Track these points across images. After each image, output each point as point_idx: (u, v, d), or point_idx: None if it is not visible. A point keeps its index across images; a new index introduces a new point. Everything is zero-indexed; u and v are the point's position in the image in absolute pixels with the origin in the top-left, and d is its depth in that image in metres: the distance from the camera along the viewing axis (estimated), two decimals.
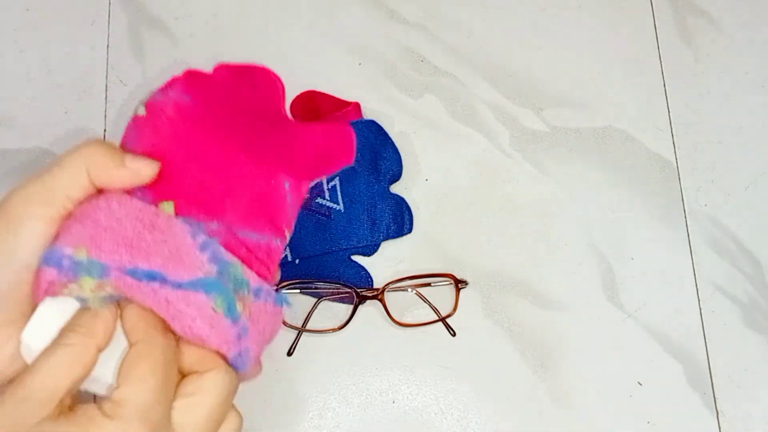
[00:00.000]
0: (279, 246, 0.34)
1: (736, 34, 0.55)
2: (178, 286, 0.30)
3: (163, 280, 0.29)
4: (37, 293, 0.29)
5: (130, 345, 0.28)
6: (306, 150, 0.36)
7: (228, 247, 0.32)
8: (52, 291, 0.29)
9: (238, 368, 0.31)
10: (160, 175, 0.32)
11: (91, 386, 0.29)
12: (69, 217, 0.30)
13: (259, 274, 0.32)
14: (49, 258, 0.29)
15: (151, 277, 0.29)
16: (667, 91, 0.54)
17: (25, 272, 0.28)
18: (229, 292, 0.30)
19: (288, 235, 0.35)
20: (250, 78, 0.36)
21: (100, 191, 0.31)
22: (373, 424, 0.46)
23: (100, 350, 0.28)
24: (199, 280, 0.30)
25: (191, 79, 0.34)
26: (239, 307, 0.31)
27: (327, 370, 0.47)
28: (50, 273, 0.29)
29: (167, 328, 0.29)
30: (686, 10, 0.55)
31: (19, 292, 0.28)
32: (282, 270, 0.47)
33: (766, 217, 0.52)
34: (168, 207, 0.32)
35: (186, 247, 0.30)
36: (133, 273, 0.29)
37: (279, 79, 0.37)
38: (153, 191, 0.32)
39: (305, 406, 0.46)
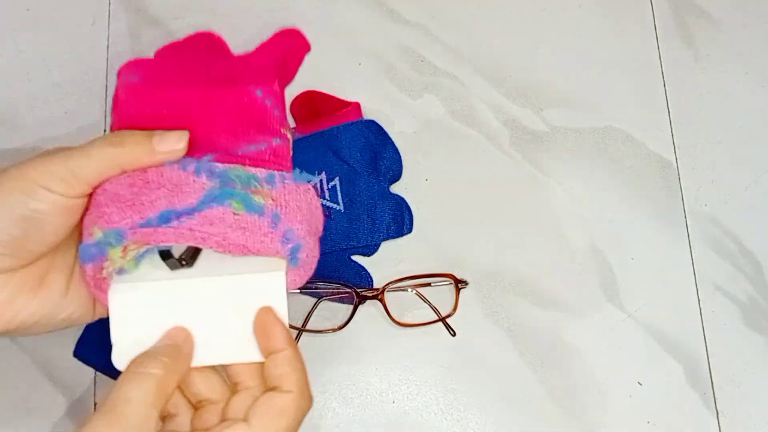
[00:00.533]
0: (281, 144, 0.35)
1: (736, 34, 0.55)
2: (191, 212, 0.31)
3: (177, 215, 0.31)
4: (92, 291, 0.32)
5: (273, 387, 0.30)
6: (263, 60, 0.37)
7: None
8: (99, 281, 0.31)
9: (294, 257, 0.32)
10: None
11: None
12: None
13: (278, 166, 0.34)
14: (81, 257, 0.31)
15: (164, 218, 0.31)
16: (667, 91, 0.54)
17: (26, 224, 0.29)
18: (240, 192, 0.32)
19: (287, 133, 0.35)
20: (192, 43, 0.37)
21: None
22: (373, 424, 0.46)
23: (177, 386, 0.29)
24: (205, 196, 0.31)
25: (135, 65, 0.36)
26: (257, 199, 0.32)
27: (327, 370, 0.47)
28: (88, 268, 0.31)
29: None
30: (686, 10, 0.55)
31: (19, 242, 0.29)
32: None
33: (766, 217, 0.52)
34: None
35: (182, 180, 0.32)
36: (147, 223, 0.30)
37: (216, 34, 0.38)
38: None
39: None
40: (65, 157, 0.29)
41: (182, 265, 0.31)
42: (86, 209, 0.32)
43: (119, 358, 0.30)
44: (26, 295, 0.30)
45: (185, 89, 0.35)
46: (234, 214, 0.31)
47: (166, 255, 0.31)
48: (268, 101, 0.35)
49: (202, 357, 0.31)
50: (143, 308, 0.31)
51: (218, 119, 0.34)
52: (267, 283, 0.31)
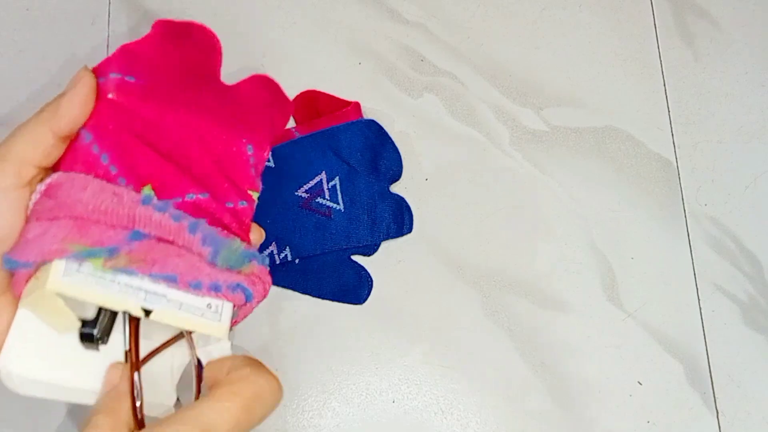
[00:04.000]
0: (246, 207, 0.34)
1: (736, 34, 0.55)
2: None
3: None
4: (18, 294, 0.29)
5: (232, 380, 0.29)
6: (256, 110, 0.36)
7: (202, 214, 0.32)
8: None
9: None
10: (129, 161, 0.32)
11: (152, 412, 0.30)
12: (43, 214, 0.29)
13: (242, 237, 0.33)
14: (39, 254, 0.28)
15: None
16: (667, 91, 0.54)
17: None
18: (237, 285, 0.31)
19: (255, 197, 0.35)
20: (188, 35, 0.35)
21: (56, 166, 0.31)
22: (373, 424, 0.46)
23: (130, 429, 0.28)
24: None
25: (127, 54, 0.33)
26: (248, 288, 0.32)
27: (327, 370, 0.47)
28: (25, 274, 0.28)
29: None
30: (686, 10, 0.55)
31: None
32: (282, 269, 0.47)
33: (766, 217, 0.52)
34: (147, 190, 0.32)
35: (173, 230, 0.31)
36: (141, 236, 0.30)
37: (216, 37, 0.36)
38: (128, 179, 0.31)
39: (305, 405, 0.46)
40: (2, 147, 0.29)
41: (99, 345, 0.30)
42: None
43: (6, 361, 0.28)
44: None
45: (177, 114, 0.33)
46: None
47: (87, 337, 0.30)
48: (252, 159, 0.35)
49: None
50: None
51: (203, 160, 0.33)
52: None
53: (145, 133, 0.32)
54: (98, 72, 0.32)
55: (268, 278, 0.33)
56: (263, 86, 0.36)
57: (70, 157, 0.31)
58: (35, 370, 0.29)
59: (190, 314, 0.30)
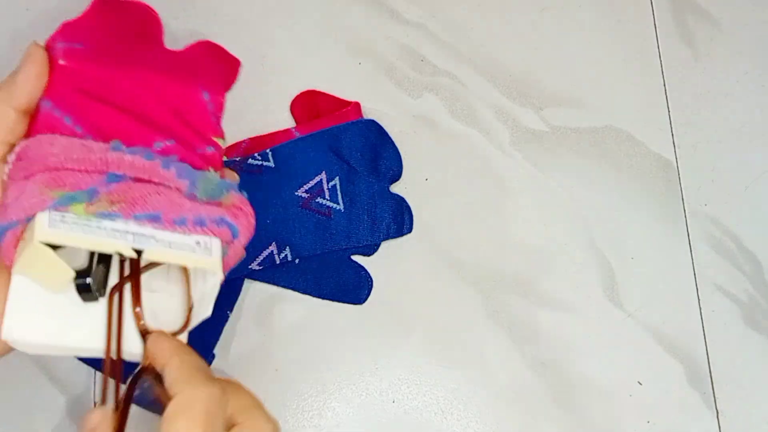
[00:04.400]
0: (214, 152, 0.35)
1: (736, 34, 0.55)
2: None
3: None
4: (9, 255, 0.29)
5: (172, 398, 0.27)
6: (204, 62, 0.37)
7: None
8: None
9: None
10: (92, 119, 0.32)
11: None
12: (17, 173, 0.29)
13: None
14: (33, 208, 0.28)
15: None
16: (667, 91, 0.54)
17: None
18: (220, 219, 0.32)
19: (219, 142, 0.35)
20: (126, 9, 0.36)
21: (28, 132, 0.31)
22: (373, 424, 0.46)
23: None
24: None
25: (71, 26, 0.34)
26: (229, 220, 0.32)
27: (327, 370, 0.47)
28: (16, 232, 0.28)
29: (211, 378, 0.28)
30: (686, 10, 0.55)
31: None
32: (282, 269, 0.47)
33: (766, 217, 0.52)
34: (115, 143, 0.32)
35: (148, 169, 0.31)
36: (117, 178, 0.30)
37: (153, 10, 0.37)
38: (95, 136, 0.32)
39: (305, 406, 0.46)
40: None
41: (96, 295, 0.30)
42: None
43: (9, 332, 0.28)
44: None
45: (130, 72, 0.34)
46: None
47: (83, 287, 0.29)
48: (210, 106, 0.35)
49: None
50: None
51: (162, 111, 0.34)
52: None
53: (101, 92, 0.33)
54: (46, 47, 0.34)
55: (250, 209, 0.33)
56: (208, 50, 0.37)
57: (35, 126, 0.31)
58: (39, 335, 0.29)
59: (181, 251, 0.30)
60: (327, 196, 0.48)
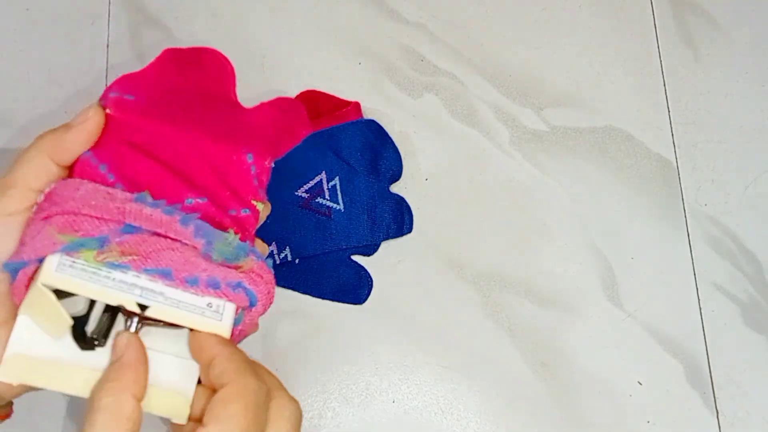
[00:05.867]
0: (249, 215, 0.34)
1: (736, 34, 0.55)
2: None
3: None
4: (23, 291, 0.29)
5: (219, 387, 0.28)
6: (262, 125, 0.36)
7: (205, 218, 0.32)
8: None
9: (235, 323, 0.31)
10: (127, 170, 0.32)
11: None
12: (39, 212, 0.29)
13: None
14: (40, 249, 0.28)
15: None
16: (667, 91, 0.54)
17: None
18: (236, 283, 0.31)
19: (259, 207, 0.35)
20: (197, 60, 0.36)
21: (69, 174, 0.31)
22: (373, 424, 0.46)
23: (138, 399, 0.27)
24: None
25: (128, 78, 0.34)
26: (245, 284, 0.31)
27: (327, 370, 0.47)
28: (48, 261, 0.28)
29: (258, 372, 0.29)
30: (686, 10, 0.55)
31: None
32: (282, 269, 0.47)
33: (766, 217, 0.52)
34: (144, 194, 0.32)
35: (164, 222, 0.30)
36: (133, 230, 0.29)
37: (228, 61, 0.37)
38: (126, 186, 0.32)
39: (305, 406, 0.46)
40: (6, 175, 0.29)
41: (95, 345, 0.29)
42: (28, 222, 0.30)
43: (8, 373, 0.28)
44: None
45: (177, 128, 0.33)
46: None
47: (78, 333, 0.29)
48: (254, 169, 0.35)
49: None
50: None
51: (202, 168, 0.33)
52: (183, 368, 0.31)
53: (143, 144, 0.33)
54: (102, 96, 0.34)
55: (271, 277, 0.33)
56: (285, 107, 0.37)
57: (71, 173, 0.31)
58: (35, 377, 0.28)
59: (189, 312, 0.29)
60: (327, 196, 0.48)
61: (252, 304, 0.31)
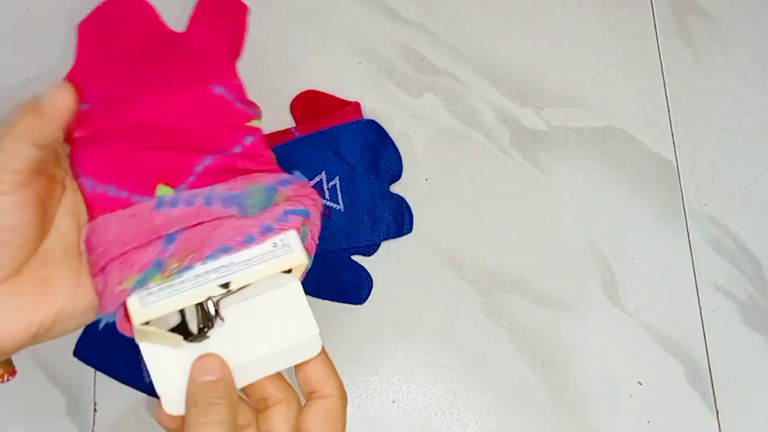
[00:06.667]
0: (253, 140, 0.34)
1: (736, 34, 0.55)
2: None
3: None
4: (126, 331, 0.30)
5: (325, 394, 0.31)
6: (207, 44, 0.36)
7: (221, 169, 0.32)
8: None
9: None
10: (131, 177, 0.32)
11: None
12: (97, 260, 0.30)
13: (263, 170, 0.33)
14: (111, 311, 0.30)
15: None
16: (667, 91, 0.54)
17: None
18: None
19: (256, 124, 0.34)
20: (111, 17, 0.35)
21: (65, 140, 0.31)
22: (373, 424, 0.46)
23: (234, 406, 0.29)
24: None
25: (72, 82, 0.33)
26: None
27: None
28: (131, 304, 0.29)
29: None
30: (686, 10, 0.55)
31: None
32: None
33: (766, 217, 0.52)
34: (160, 190, 0.32)
35: (194, 215, 0.31)
36: (173, 237, 0.30)
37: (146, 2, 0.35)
38: (141, 192, 0.32)
39: None
40: None
41: (206, 333, 0.31)
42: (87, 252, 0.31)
43: (171, 404, 0.30)
44: (32, 300, 0.30)
45: (144, 102, 0.33)
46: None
47: (189, 334, 0.30)
48: (229, 95, 0.34)
49: (241, 377, 0.31)
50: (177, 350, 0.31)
51: (188, 129, 0.33)
52: (288, 296, 0.32)
53: (126, 140, 0.32)
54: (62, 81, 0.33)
55: (303, 182, 0.33)
56: (214, 7, 0.36)
57: (89, 208, 0.32)
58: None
59: (264, 262, 0.30)
60: (327, 196, 0.48)
61: (306, 215, 0.32)
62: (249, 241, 0.30)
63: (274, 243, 0.31)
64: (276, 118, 0.51)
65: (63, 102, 0.31)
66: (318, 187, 0.48)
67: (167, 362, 0.30)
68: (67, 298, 0.31)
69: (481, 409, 0.47)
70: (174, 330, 0.30)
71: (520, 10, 0.55)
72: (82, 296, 0.31)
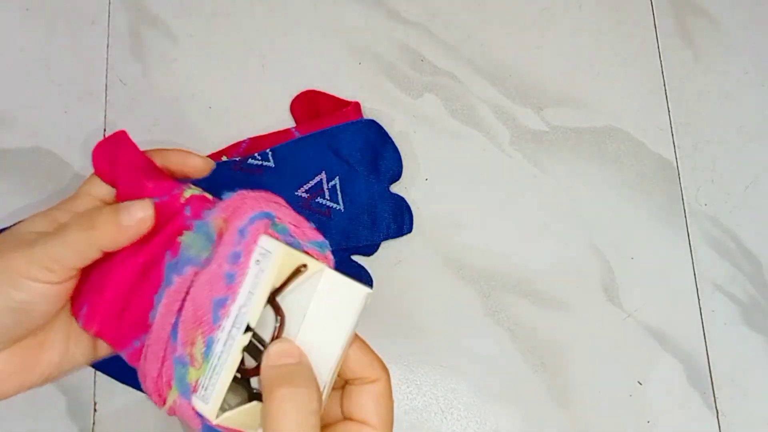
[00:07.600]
0: (167, 198, 0.32)
1: (736, 34, 0.55)
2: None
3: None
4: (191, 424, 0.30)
5: (373, 379, 0.31)
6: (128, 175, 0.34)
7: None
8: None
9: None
10: (136, 333, 0.31)
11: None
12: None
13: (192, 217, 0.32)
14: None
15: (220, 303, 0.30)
16: (667, 91, 0.54)
17: (13, 314, 0.29)
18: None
19: (188, 193, 0.32)
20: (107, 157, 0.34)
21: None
22: None
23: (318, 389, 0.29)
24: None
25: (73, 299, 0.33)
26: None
27: None
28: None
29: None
30: (686, 10, 0.55)
31: (8, 330, 0.29)
32: None
33: (766, 217, 0.52)
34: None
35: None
36: (176, 333, 0.30)
37: (111, 139, 0.34)
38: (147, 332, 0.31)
39: None
40: (45, 245, 0.29)
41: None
42: (76, 290, 0.30)
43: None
44: (29, 363, 0.30)
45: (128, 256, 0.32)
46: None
47: (245, 384, 0.30)
48: (163, 196, 0.32)
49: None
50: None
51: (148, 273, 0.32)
52: (322, 284, 0.30)
53: (127, 316, 0.32)
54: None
55: (245, 196, 0.31)
56: (108, 146, 0.34)
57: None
58: None
59: (259, 284, 0.29)
60: (327, 196, 0.48)
61: (264, 217, 0.30)
62: (231, 280, 0.29)
63: (257, 260, 0.29)
64: (276, 118, 0.51)
65: (144, 225, 0.30)
66: (318, 187, 0.48)
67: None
68: (61, 354, 0.31)
69: (481, 409, 0.47)
70: (242, 387, 0.30)
71: (520, 11, 0.55)
72: (71, 355, 0.31)
